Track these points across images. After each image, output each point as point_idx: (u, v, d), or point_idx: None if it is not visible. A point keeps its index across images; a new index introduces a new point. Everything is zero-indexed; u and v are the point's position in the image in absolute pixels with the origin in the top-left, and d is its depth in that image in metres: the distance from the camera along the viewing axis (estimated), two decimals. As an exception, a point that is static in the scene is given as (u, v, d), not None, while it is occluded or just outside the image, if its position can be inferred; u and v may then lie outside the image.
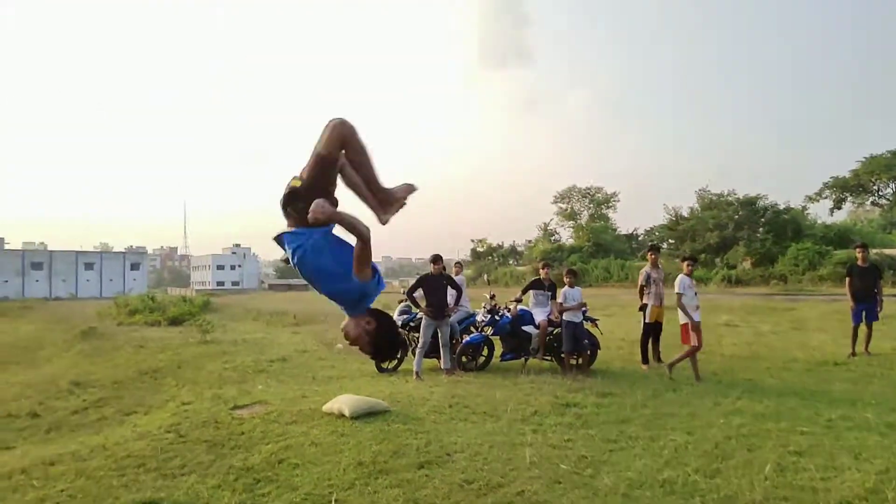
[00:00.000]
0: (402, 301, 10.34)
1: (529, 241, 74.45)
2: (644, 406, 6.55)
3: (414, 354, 9.09)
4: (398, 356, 9.74)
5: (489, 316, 9.30)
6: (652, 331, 9.46)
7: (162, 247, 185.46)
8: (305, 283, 2.91)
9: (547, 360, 9.33)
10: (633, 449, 5.04)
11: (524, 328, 9.19)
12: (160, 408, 8.55)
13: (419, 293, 9.10)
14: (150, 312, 23.84)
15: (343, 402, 6.47)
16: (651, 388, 7.49)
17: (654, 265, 9.64)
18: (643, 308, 9.46)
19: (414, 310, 9.64)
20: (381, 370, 9.52)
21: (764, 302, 22.53)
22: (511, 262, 73.07)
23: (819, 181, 46.27)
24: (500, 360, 9.48)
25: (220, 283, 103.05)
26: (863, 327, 9.69)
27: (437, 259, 9.11)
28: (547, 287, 9.61)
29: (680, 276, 8.33)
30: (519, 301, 9.59)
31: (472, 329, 9.74)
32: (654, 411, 6.31)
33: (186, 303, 27.39)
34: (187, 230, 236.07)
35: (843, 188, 41.48)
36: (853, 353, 9.57)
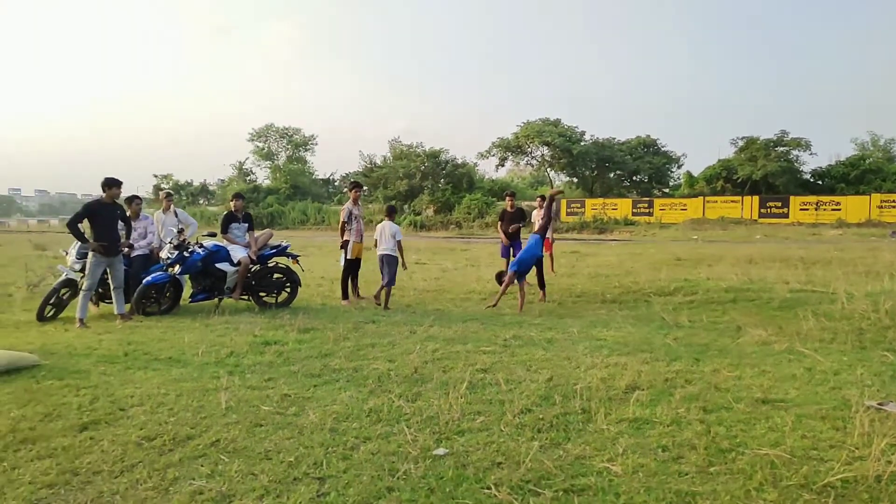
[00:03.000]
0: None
1: (223, 181, 69.80)
2: (346, 339, 6.50)
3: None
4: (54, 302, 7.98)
5: (176, 252, 8.15)
6: (352, 267, 9.51)
7: None
8: None
9: (244, 299, 8.67)
10: (337, 382, 4.89)
11: (218, 265, 8.33)
12: None
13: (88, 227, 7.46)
14: None
15: (-33, 360, 4.95)
16: (351, 321, 7.50)
17: (356, 202, 9.62)
18: (344, 245, 9.41)
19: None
20: (41, 318, 7.67)
21: (446, 244, 25.08)
22: (202, 201, 67.62)
23: (489, 142, 53.06)
24: (190, 302, 8.48)
25: None
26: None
27: (113, 182, 7.49)
28: (242, 219, 8.83)
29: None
30: (213, 235, 8.66)
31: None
32: (356, 343, 6.30)
33: None
34: None
35: (506, 148, 48.15)
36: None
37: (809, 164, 40.77)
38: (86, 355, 5.71)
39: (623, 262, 14.82)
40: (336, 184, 72.02)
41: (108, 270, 7.56)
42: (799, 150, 39.14)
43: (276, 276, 8.86)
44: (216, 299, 8.54)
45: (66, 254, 8.43)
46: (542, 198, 12.87)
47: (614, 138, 47.33)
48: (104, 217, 7.45)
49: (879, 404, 4.20)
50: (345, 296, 9.34)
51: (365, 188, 54.15)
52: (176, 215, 9.10)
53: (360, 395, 4.53)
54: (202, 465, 3.27)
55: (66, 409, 4.15)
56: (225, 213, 9.02)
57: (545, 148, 46.23)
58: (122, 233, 7.82)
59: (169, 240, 8.39)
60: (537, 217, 12.05)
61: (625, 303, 9.00)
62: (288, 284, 8.87)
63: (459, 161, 49.58)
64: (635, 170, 46.52)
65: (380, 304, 8.74)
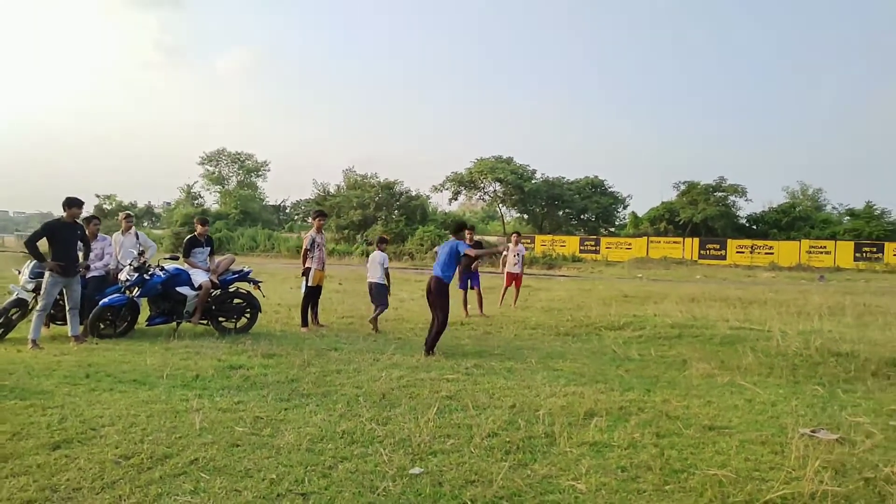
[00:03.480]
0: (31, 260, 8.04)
1: (168, 203, 68.12)
2: (311, 365, 6.57)
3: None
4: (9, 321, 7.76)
5: (136, 275, 8.05)
6: (312, 294, 9.57)
7: None
8: None
9: (203, 323, 8.58)
10: (307, 406, 4.99)
11: (178, 289, 8.26)
12: None
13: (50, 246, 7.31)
14: None
15: (-79, 379, 4.81)
16: (314, 348, 7.57)
17: (319, 230, 9.74)
18: (306, 272, 9.48)
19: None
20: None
21: (400, 274, 25.18)
22: (146, 223, 65.71)
23: (442, 175, 54.03)
24: (147, 325, 8.35)
25: None
26: (473, 295, 11.66)
27: (74, 202, 7.42)
28: (205, 244, 8.84)
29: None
30: (175, 258, 8.62)
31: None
32: (322, 369, 6.38)
33: None
34: None
35: (459, 183, 49.06)
36: (466, 314, 11.38)
37: (745, 209, 43.24)
38: (46, 376, 5.60)
39: (573, 297, 15.31)
40: (287, 211, 71.41)
41: (64, 291, 7.42)
42: (736, 196, 41.47)
43: (236, 301, 8.84)
44: (174, 323, 8.44)
45: (19, 273, 8.21)
46: (517, 234, 13.67)
47: (564, 178, 48.95)
48: (64, 236, 7.34)
49: (812, 431, 4.62)
50: (304, 323, 9.37)
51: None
52: (137, 237, 9.00)
53: (331, 418, 4.65)
54: (184, 483, 3.33)
55: (34, 429, 4.11)
56: (188, 236, 8.99)
57: (497, 184, 47.30)
58: (80, 253, 7.70)
59: (129, 262, 8.28)
60: (513, 252, 12.65)
61: (578, 336, 9.38)
62: (248, 310, 8.86)
63: (413, 193, 50.11)
64: (583, 208, 48.07)
65: (376, 331, 9.22)
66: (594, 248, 40.62)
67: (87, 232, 8.02)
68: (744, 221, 42.69)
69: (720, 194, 41.21)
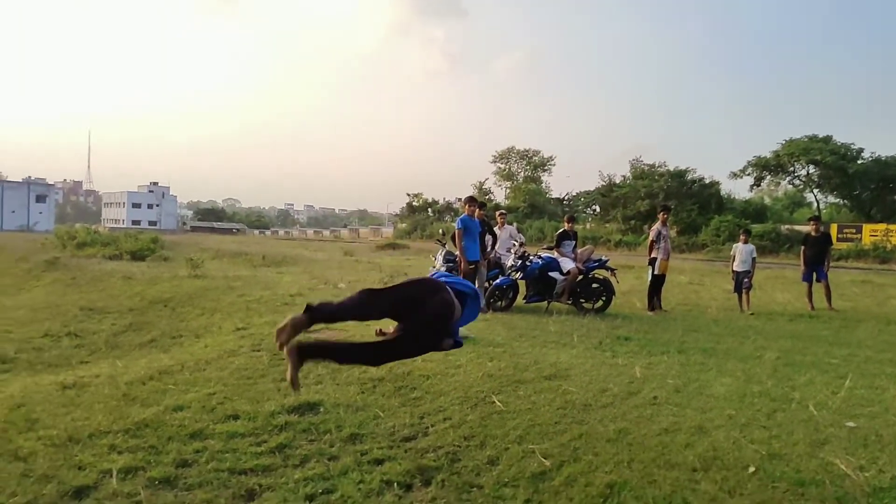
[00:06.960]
0: (443, 244, 11.06)
1: (461, 199, 75.55)
2: (683, 342, 7.55)
3: None
4: None
5: (519, 262, 10.04)
6: (658, 282, 10.55)
7: (65, 179, 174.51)
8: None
9: (567, 303, 10.22)
10: (709, 371, 5.98)
11: (550, 274, 10.01)
12: (210, 333, 8.76)
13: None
14: (103, 246, 22.94)
15: (430, 329, 7.06)
16: (677, 328, 8.53)
17: (664, 223, 10.68)
18: (652, 262, 10.52)
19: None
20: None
21: (707, 266, 24.61)
22: (447, 217, 74.13)
23: (733, 158, 49.97)
24: (525, 302, 10.29)
25: (136, 222, 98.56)
26: (818, 287, 11.24)
27: (480, 205, 9.67)
28: (572, 237, 10.48)
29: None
30: (550, 249, 10.44)
31: None
32: (696, 346, 7.32)
33: (133, 238, 26.42)
34: (91, 163, 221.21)
35: (763, 167, 44.93)
36: (812, 308, 11.09)
37: None
38: (491, 334, 7.60)
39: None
40: (570, 202, 73.62)
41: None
42: None
43: (594, 285, 10.28)
44: (545, 301, 10.23)
45: (434, 258, 10.85)
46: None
47: (903, 155, 41.27)
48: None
49: None
50: (650, 307, 10.40)
51: (592, 209, 54.97)
52: (518, 231, 11.08)
53: (738, 381, 5.54)
54: (662, 409, 4.61)
55: (522, 366, 5.86)
56: (560, 230, 10.77)
57: (812, 166, 42.15)
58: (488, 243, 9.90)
59: (512, 251, 10.33)
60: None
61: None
62: (604, 294, 10.23)
63: (707, 180, 47.52)
64: (930, 192, 40.02)
65: (745, 311, 10.70)
66: (947, 240, 33.66)
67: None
68: None
69: None
